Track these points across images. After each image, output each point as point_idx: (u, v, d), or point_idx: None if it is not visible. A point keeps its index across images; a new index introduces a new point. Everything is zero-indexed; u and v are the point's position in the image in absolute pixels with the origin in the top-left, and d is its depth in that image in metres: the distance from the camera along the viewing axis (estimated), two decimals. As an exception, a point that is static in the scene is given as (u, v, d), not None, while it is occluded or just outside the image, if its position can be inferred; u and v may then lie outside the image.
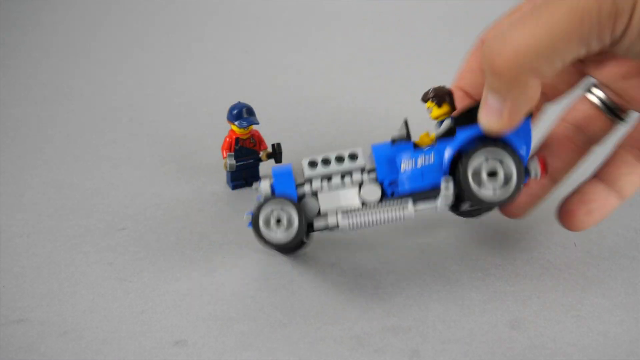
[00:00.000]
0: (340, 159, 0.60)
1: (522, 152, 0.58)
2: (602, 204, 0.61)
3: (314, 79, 0.93)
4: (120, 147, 0.80)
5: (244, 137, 0.72)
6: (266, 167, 0.75)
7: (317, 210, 0.60)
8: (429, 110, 0.62)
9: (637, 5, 0.48)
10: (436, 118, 0.61)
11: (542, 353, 0.56)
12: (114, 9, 1.08)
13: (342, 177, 0.60)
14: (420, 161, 0.59)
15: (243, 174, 0.73)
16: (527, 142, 0.58)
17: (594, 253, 0.66)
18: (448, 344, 0.57)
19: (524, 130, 0.58)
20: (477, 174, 0.58)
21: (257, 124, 0.71)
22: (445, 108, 0.61)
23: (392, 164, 0.60)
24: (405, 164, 0.59)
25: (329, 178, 0.60)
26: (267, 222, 0.60)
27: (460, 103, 0.63)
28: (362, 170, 0.60)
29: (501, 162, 0.58)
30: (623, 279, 0.63)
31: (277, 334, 0.58)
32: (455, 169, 0.58)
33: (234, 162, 0.72)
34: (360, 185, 0.60)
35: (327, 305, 0.60)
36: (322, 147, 0.80)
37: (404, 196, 0.59)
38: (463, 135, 0.58)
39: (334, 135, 0.82)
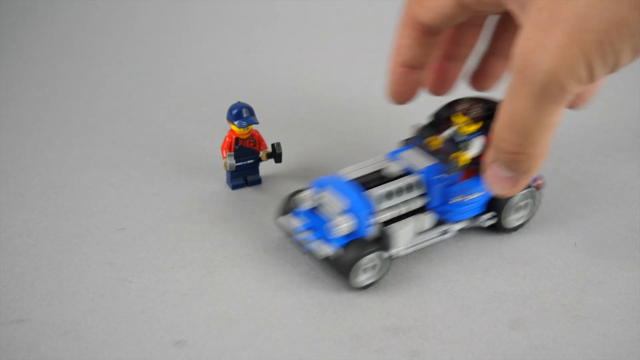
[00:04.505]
0: (403, 190, 0.63)
1: None
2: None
3: (314, 79, 0.93)
4: (120, 147, 0.79)
5: (244, 137, 0.72)
6: (266, 167, 0.75)
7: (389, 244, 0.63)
8: (462, 124, 0.63)
9: None
10: (466, 133, 0.63)
11: (542, 353, 0.56)
12: (113, 9, 1.08)
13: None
14: (472, 196, 0.65)
15: (243, 174, 0.73)
16: None
17: (594, 253, 0.66)
18: (448, 344, 0.57)
19: None
20: (514, 207, 0.67)
21: (257, 123, 0.71)
22: (477, 125, 0.63)
23: (443, 193, 0.64)
24: (459, 197, 0.64)
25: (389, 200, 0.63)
26: (360, 268, 0.61)
27: (404, 79, 0.63)
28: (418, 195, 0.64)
29: (529, 197, 0.68)
30: (623, 279, 0.63)
31: (277, 334, 0.58)
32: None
33: (234, 162, 0.72)
34: (418, 210, 0.64)
35: (327, 306, 0.60)
36: (323, 147, 0.80)
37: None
38: None
39: (334, 135, 0.82)
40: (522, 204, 0.67)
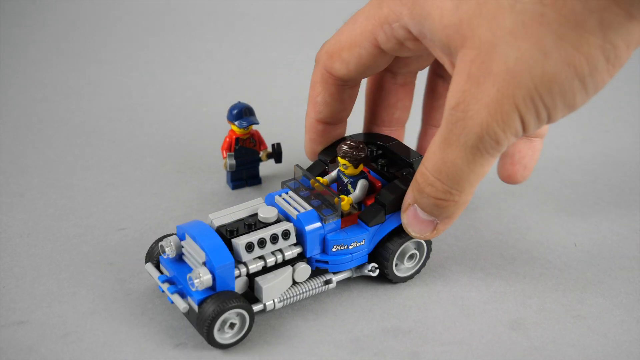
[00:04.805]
0: (275, 238, 0.57)
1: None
2: (531, 154, 0.63)
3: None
4: (120, 147, 0.79)
5: (244, 137, 0.72)
6: (266, 167, 0.75)
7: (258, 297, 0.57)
8: (344, 166, 0.60)
9: None
10: (349, 175, 0.61)
11: (542, 354, 0.56)
12: (114, 9, 1.08)
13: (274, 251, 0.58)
14: (353, 245, 0.59)
15: (243, 174, 0.73)
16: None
17: (594, 253, 0.66)
18: (448, 346, 0.57)
19: None
20: (401, 257, 0.62)
21: (257, 124, 0.71)
22: (360, 167, 0.61)
23: (321, 242, 0.59)
24: (338, 247, 0.58)
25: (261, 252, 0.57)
26: (222, 326, 0.55)
27: (323, 137, 0.64)
28: (293, 243, 0.58)
29: (418, 247, 0.62)
30: (623, 279, 0.63)
31: (277, 336, 0.58)
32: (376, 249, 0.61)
33: (234, 162, 0.72)
34: (292, 260, 0.58)
35: (326, 307, 0.60)
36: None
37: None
38: (392, 224, 0.60)
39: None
40: (409, 254, 0.61)
